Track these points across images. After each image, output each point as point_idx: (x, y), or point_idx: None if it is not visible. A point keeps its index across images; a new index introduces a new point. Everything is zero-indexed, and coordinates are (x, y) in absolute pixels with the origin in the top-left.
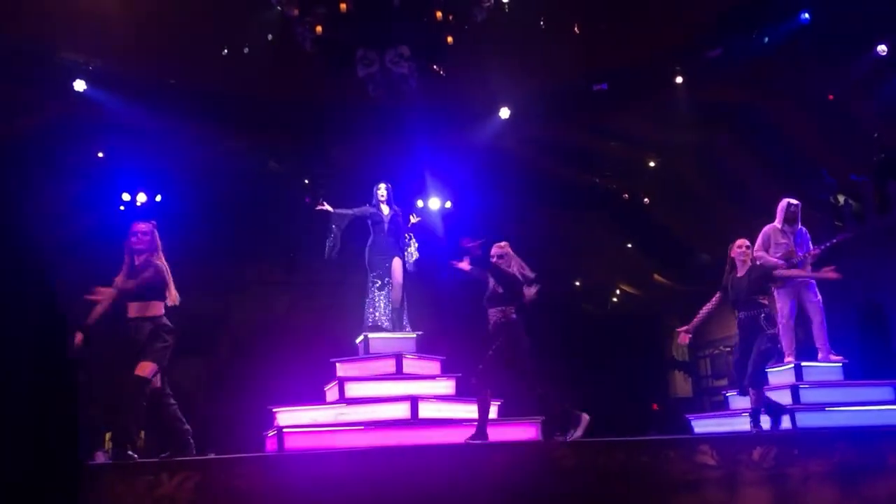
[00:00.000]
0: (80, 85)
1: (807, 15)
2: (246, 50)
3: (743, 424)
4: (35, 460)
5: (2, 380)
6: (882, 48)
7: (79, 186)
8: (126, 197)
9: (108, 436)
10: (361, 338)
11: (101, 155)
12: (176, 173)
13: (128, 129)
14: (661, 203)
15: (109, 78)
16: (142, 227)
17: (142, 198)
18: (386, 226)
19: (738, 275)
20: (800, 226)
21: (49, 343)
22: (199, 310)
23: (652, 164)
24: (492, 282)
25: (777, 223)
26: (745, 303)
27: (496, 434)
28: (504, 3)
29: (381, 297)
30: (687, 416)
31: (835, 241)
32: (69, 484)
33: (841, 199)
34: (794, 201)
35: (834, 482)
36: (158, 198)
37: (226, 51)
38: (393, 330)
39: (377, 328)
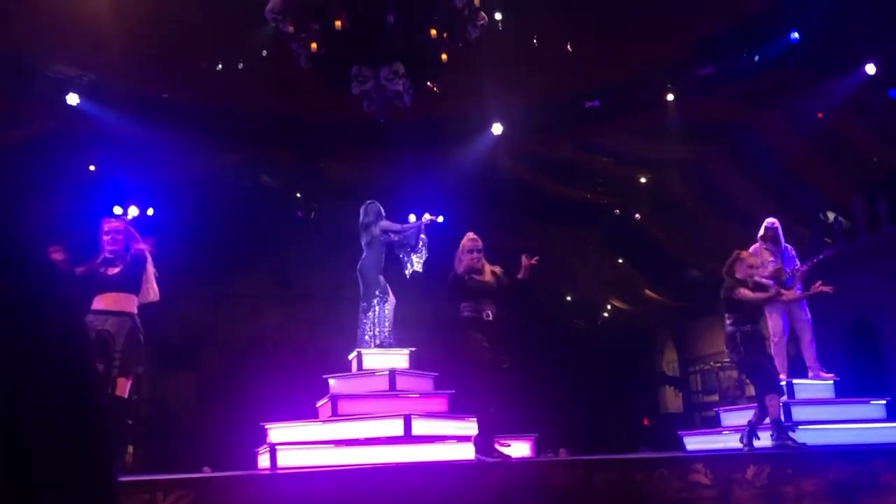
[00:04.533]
0: (73, 98)
1: (796, 34)
2: (240, 65)
3: (735, 442)
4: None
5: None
6: (870, 67)
7: (70, 200)
8: (118, 210)
9: None
10: (354, 354)
11: (92, 168)
12: (168, 187)
13: (120, 143)
14: (652, 219)
15: (102, 91)
16: (113, 224)
17: (133, 211)
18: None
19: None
20: (784, 244)
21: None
22: (191, 323)
23: (643, 179)
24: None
25: (761, 243)
26: None
27: None
28: (498, 21)
29: (385, 314)
30: (679, 432)
31: (821, 256)
32: None
33: (831, 216)
34: (773, 222)
35: (828, 501)
36: (150, 211)
37: (220, 66)
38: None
39: (384, 346)
